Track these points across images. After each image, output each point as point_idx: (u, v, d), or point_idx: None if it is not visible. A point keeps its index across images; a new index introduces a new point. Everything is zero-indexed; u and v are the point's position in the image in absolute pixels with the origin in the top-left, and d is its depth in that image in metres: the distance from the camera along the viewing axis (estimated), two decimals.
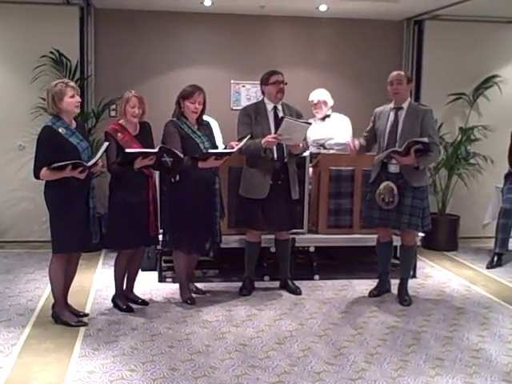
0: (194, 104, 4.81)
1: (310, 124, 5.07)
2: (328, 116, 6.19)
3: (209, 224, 4.91)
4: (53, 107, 4.28)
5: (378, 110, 5.12)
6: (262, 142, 4.90)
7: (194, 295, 5.12)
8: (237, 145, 4.90)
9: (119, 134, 4.60)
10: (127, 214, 4.60)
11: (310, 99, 6.21)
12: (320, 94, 6.19)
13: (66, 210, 4.28)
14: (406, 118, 4.89)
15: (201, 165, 4.72)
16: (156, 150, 4.56)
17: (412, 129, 4.84)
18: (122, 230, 4.61)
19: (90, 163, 4.23)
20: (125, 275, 4.86)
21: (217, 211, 4.95)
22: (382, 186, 4.91)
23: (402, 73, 5.00)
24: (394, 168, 4.92)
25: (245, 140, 4.85)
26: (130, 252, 4.77)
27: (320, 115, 6.16)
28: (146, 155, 4.52)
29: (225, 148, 5.17)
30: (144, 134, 4.74)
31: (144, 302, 4.96)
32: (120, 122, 4.69)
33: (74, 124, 4.38)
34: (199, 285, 5.40)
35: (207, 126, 5.04)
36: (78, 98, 4.34)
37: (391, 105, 5.00)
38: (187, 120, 4.86)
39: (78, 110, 4.40)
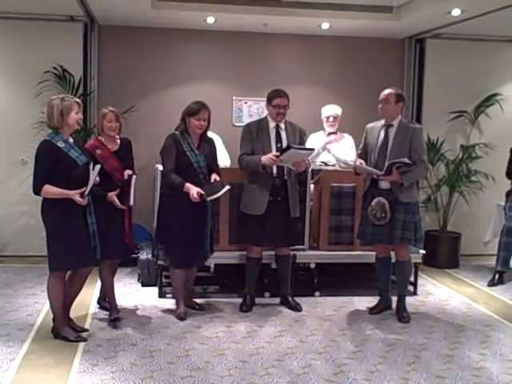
0: (200, 121, 4.87)
1: (313, 150, 5.18)
2: (335, 133, 6.22)
3: (198, 240, 4.93)
4: (58, 120, 4.27)
5: (370, 125, 5.16)
6: (262, 158, 4.93)
7: (193, 311, 5.11)
8: (215, 180, 4.87)
9: (98, 151, 4.68)
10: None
11: (326, 114, 6.22)
12: (336, 109, 6.23)
13: (63, 229, 4.27)
14: (396, 135, 4.93)
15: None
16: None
17: (401, 146, 4.89)
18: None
19: (86, 192, 4.24)
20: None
21: (207, 228, 4.98)
22: (373, 202, 4.96)
23: (391, 91, 4.95)
24: (384, 184, 4.97)
25: (224, 190, 4.79)
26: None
27: (333, 130, 6.19)
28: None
29: (210, 174, 4.97)
30: (124, 150, 4.82)
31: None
32: (99, 138, 4.80)
33: (70, 139, 4.40)
34: (199, 300, 5.38)
35: (210, 143, 5.07)
36: (80, 115, 4.44)
37: (382, 121, 5.04)
38: (189, 137, 4.90)
39: (78, 127, 4.54)
